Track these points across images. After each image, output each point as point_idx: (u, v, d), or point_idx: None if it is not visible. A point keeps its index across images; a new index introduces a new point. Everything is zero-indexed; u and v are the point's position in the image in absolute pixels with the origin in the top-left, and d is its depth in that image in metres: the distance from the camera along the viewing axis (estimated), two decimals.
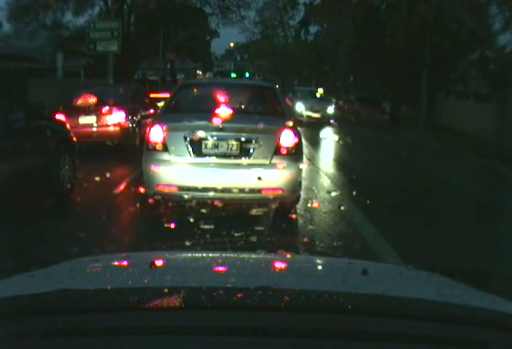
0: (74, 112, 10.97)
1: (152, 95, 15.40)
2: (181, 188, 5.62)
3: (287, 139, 5.79)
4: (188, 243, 3.73)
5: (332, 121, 22.70)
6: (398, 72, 23.38)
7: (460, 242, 5.55)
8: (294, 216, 6.04)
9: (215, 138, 5.72)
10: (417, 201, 7.58)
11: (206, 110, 5.89)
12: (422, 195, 8.23)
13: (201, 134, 5.68)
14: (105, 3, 27.41)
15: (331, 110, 24.23)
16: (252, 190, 5.63)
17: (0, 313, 1.17)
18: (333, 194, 7.58)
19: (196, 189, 5.60)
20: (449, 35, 18.70)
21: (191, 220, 4.71)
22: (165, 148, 5.76)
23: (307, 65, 44.54)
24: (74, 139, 7.43)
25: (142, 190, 6.02)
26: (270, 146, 5.73)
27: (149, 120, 10.58)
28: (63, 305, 1.19)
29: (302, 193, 6.07)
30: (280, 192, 5.68)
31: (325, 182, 8.61)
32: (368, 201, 6.71)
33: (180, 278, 1.53)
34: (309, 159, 10.37)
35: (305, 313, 1.17)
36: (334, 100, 28.41)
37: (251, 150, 5.71)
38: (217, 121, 5.55)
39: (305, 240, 5.36)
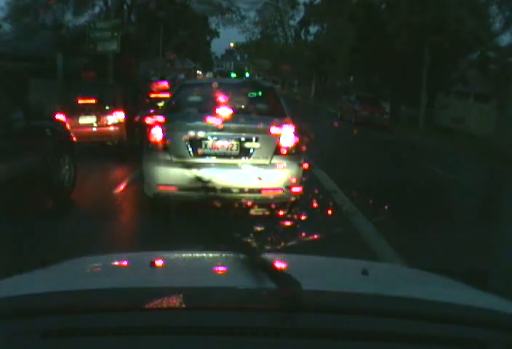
0: (74, 112, 10.96)
1: (152, 95, 15.40)
2: (181, 188, 5.62)
3: (287, 139, 5.78)
4: (187, 244, 3.72)
5: None
6: (398, 72, 23.37)
7: (459, 241, 5.54)
8: (294, 216, 6.03)
9: (215, 138, 5.71)
10: (417, 200, 7.57)
11: (206, 110, 5.88)
12: (421, 194, 8.23)
13: (201, 134, 5.68)
14: (105, 3, 27.41)
15: None
16: (251, 190, 5.63)
17: (0, 313, 1.17)
18: (333, 194, 7.57)
19: (195, 189, 5.59)
20: (449, 35, 18.69)
21: (191, 220, 4.71)
22: (165, 148, 5.76)
23: (307, 65, 44.52)
24: (74, 139, 7.43)
25: (142, 190, 6.02)
26: (270, 146, 5.72)
27: (149, 120, 10.55)
28: (63, 305, 1.19)
29: (303, 193, 6.06)
30: (280, 192, 5.67)
31: (325, 182, 8.60)
32: (367, 201, 6.70)
33: (179, 278, 1.53)
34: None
35: (305, 313, 1.17)
36: None
37: (251, 150, 5.71)
38: (217, 121, 5.54)
39: (305, 240, 5.35)
